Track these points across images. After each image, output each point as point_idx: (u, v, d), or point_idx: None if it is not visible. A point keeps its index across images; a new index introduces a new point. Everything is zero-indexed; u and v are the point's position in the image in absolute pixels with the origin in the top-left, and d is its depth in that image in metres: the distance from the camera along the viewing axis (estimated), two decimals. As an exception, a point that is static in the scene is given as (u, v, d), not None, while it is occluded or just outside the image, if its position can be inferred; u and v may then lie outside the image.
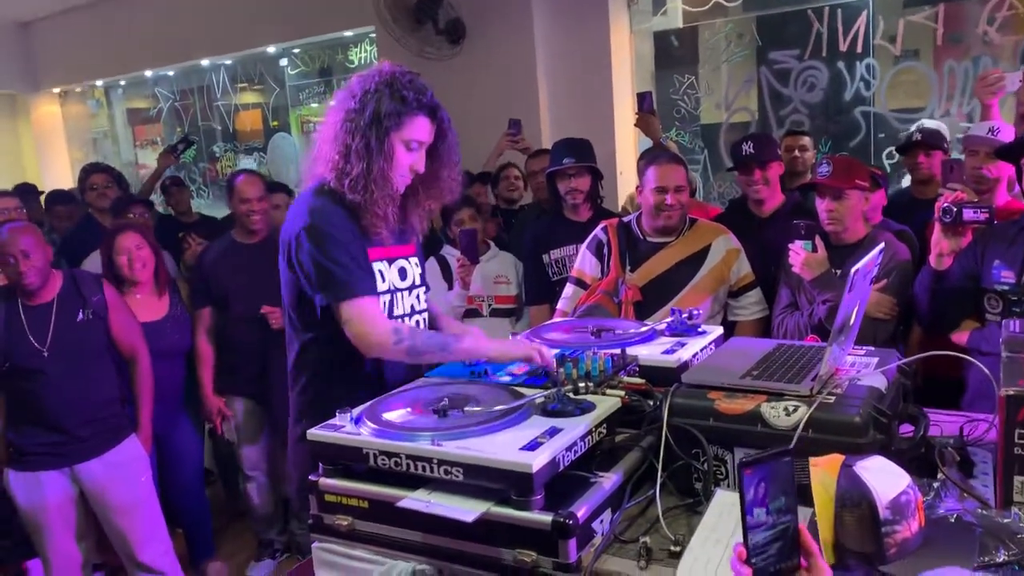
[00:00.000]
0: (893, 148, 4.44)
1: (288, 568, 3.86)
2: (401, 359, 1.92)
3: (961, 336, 2.56)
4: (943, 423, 1.77)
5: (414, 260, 2.17)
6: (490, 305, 3.61)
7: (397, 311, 2.08)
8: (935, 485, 1.40)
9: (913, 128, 3.61)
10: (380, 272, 2.04)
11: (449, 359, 1.95)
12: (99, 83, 8.72)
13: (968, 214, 2.40)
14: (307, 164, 2.07)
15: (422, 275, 2.19)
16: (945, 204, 2.44)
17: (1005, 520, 1.28)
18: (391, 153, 1.94)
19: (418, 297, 2.16)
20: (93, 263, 3.74)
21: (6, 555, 3.44)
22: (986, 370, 1.61)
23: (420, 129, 1.98)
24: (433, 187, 2.10)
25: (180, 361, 3.60)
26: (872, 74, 4.55)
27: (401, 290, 2.10)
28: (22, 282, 2.92)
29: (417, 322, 2.15)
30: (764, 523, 1.00)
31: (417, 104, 1.96)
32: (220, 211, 5.58)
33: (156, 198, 5.47)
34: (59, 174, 8.94)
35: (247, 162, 7.71)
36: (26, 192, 5.45)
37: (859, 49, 4.52)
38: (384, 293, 2.04)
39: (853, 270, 1.47)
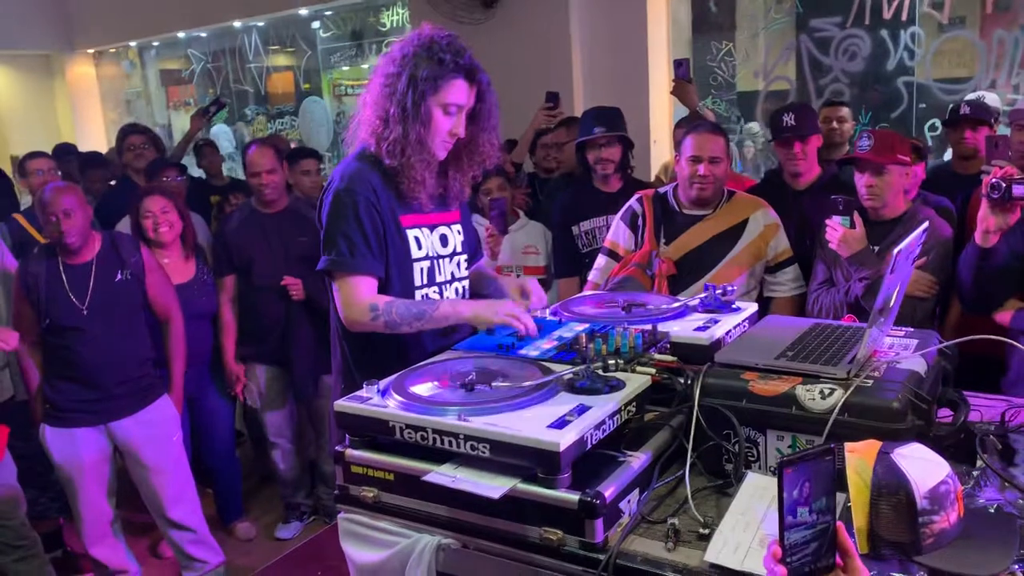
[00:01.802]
0: (936, 120, 4.32)
1: (315, 531, 3.92)
2: (381, 331, 1.94)
3: (1004, 316, 2.50)
4: (983, 408, 1.72)
5: (457, 227, 2.17)
6: (519, 275, 3.58)
7: (439, 278, 2.10)
8: (975, 473, 1.37)
9: (971, 97, 3.51)
10: (416, 239, 2.05)
11: (427, 327, 1.96)
12: (133, 44, 8.74)
13: (1018, 190, 2.32)
14: (352, 129, 2.07)
15: (464, 242, 2.18)
16: (994, 180, 2.36)
17: (1048, 513, 1.24)
18: (428, 118, 1.93)
19: (459, 264, 2.17)
20: (128, 225, 3.76)
21: (44, 510, 3.53)
22: (1030, 355, 1.56)
23: (457, 92, 1.96)
24: (474, 152, 2.09)
25: (207, 325, 3.63)
26: (916, 43, 4.41)
27: (442, 257, 2.11)
28: (63, 241, 2.96)
29: (456, 289, 2.15)
30: (804, 523, 0.97)
31: (454, 66, 1.94)
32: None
33: (188, 160, 5.49)
34: (94, 135, 9.03)
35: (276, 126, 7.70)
36: (64, 152, 5.50)
37: (904, 17, 4.39)
38: (422, 260, 2.06)
39: (896, 251, 1.42)
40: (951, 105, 3.56)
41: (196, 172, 5.32)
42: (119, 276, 3.07)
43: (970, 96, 3.71)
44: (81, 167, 5.08)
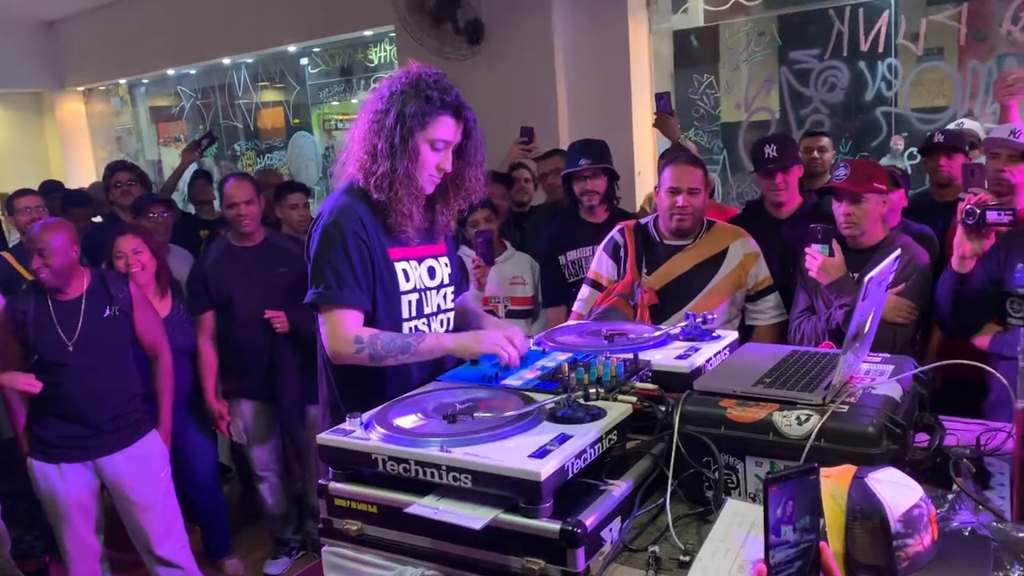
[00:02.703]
0: (915, 149, 4.39)
1: (304, 565, 3.89)
2: (366, 364, 1.97)
3: (983, 340, 2.54)
4: (960, 432, 1.74)
5: (444, 259, 2.20)
6: (506, 306, 3.61)
7: (426, 309, 2.13)
8: (950, 497, 1.38)
9: (950, 127, 3.59)
10: (404, 272, 2.08)
11: (412, 360, 1.98)
12: (123, 81, 8.81)
13: (991, 216, 2.37)
14: (339, 164, 2.11)
15: (451, 274, 2.21)
16: (968, 206, 2.40)
17: (1021, 534, 1.26)
18: (416, 153, 1.97)
19: (445, 296, 2.19)
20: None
21: (29, 548, 3.50)
22: (1003, 379, 1.58)
23: (445, 128, 2.00)
24: (460, 187, 2.13)
25: (185, 360, 3.62)
26: (894, 74, 4.50)
27: (430, 289, 2.14)
28: (38, 278, 2.97)
29: (443, 320, 2.18)
30: (789, 542, 0.98)
31: (441, 103, 1.98)
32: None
33: (179, 195, 5.52)
34: (83, 171, 9.06)
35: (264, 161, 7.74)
36: (50, 190, 5.52)
37: (881, 48, 4.48)
38: (410, 292, 2.08)
39: (867, 278, 1.45)
40: (927, 134, 3.63)
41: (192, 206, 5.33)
42: (107, 312, 3.08)
43: (950, 125, 3.79)
44: (63, 205, 5.10)
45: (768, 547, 0.98)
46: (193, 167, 5.56)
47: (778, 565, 0.99)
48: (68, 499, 3.06)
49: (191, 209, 5.29)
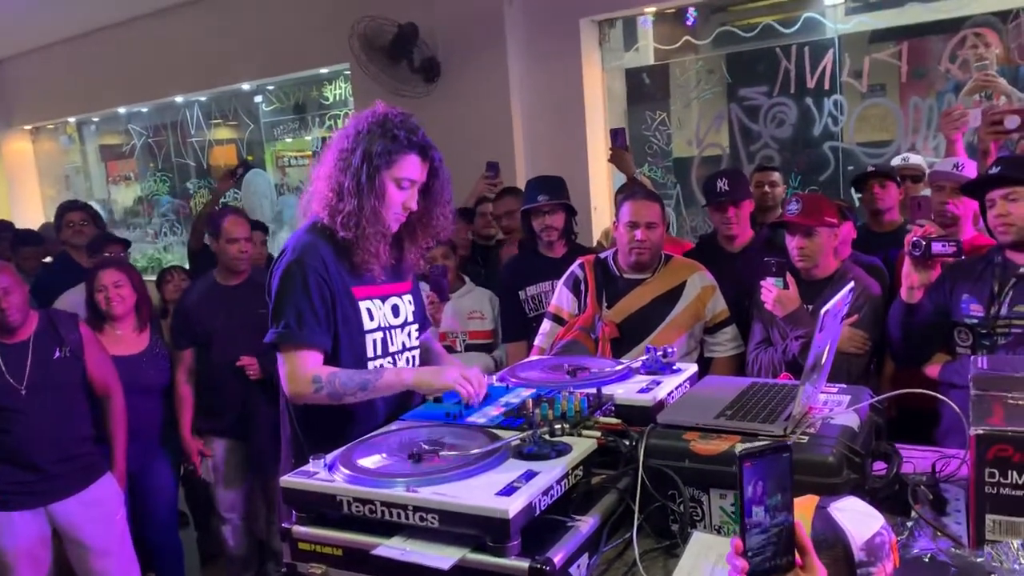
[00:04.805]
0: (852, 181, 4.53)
1: (262, 612, 3.80)
2: (325, 403, 1.96)
3: (933, 369, 2.60)
4: (915, 459, 1.78)
5: (407, 297, 2.20)
6: (464, 340, 3.61)
7: (391, 348, 2.12)
8: (909, 524, 1.41)
9: (898, 159, 3.72)
10: (368, 311, 2.07)
11: (372, 396, 1.98)
12: (72, 119, 8.69)
13: (937, 247, 2.44)
14: (303, 202, 2.12)
15: (415, 312, 2.21)
16: (914, 238, 2.48)
17: (978, 559, 1.29)
18: (382, 191, 1.99)
19: (409, 334, 2.19)
20: (67, 302, 3.70)
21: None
22: (955, 407, 1.63)
23: (411, 167, 2.02)
24: (428, 225, 2.15)
25: (157, 398, 3.55)
26: (840, 110, 4.64)
27: (394, 327, 2.14)
28: (6, 319, 2.90)
29: (408, 359, 2.18)
30: (762, 522, 0.99)
31: (408, 143, 2.00)
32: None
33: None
34: (30, 211, 8.88)
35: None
36: (2, 229, 5.40)
37: (827, 86, 4.63)
38: (375, 331, 2.08)
39: (823, 311, 1.49)
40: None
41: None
42: (57, 354, 3.02)
43: (895, 158, 3.91)
44: (13, 244, 4.99)
45: (743, 526, 0.99)
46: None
47: (753, 542, 0.99)
48: (15, 549, 2.95)
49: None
